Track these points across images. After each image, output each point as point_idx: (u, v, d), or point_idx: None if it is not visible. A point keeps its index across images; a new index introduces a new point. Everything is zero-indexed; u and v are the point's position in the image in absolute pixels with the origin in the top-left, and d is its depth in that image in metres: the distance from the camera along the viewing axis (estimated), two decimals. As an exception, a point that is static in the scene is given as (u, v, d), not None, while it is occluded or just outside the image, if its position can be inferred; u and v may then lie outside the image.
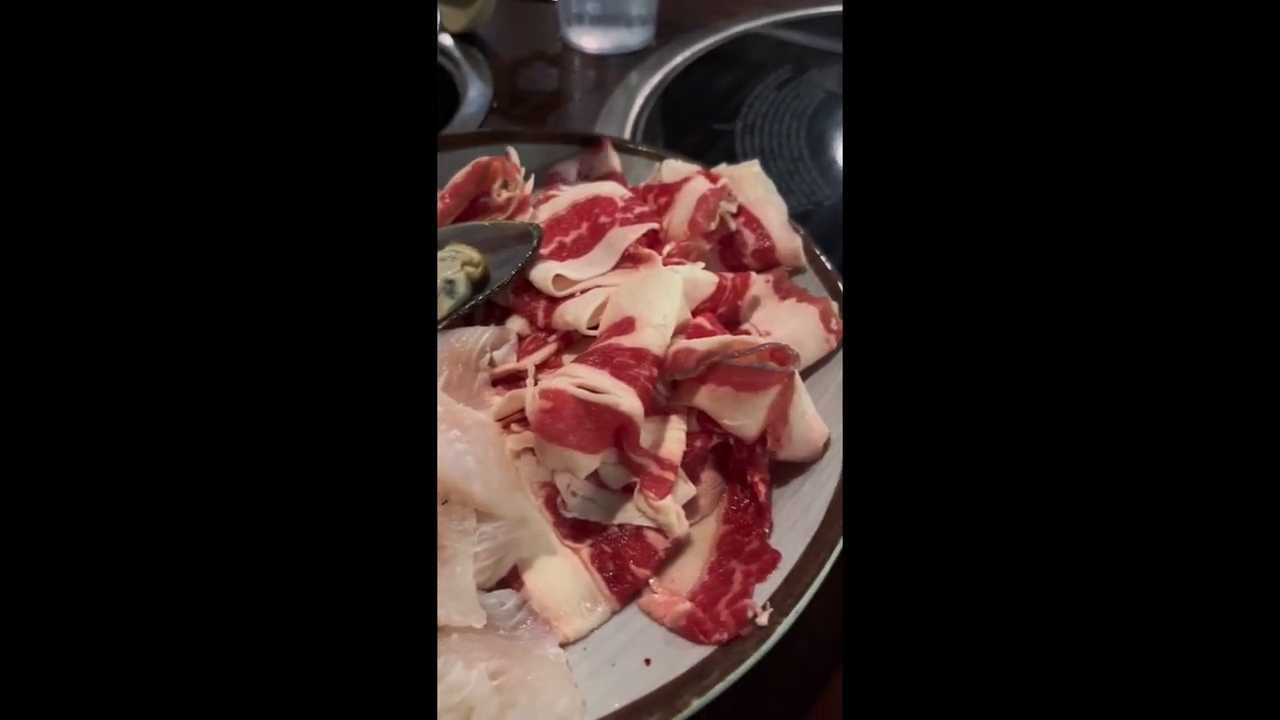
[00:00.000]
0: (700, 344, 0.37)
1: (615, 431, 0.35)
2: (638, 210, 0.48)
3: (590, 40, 0.86)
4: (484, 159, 0.48)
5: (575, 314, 0.40)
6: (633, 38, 0.87)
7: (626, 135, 0.75)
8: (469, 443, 0.34)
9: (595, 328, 0.40)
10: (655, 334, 0.37)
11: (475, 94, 0.80)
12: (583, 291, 0.42)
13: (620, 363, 0.36)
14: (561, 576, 0.36)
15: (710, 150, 0.73)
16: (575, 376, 0.35)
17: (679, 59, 0.87)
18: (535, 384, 0.37)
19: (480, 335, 0.41)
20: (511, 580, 0.35)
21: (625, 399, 0.34)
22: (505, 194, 0.48)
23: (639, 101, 0.80)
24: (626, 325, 0.38)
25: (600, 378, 0.35)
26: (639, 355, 0.36)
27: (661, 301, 0.38)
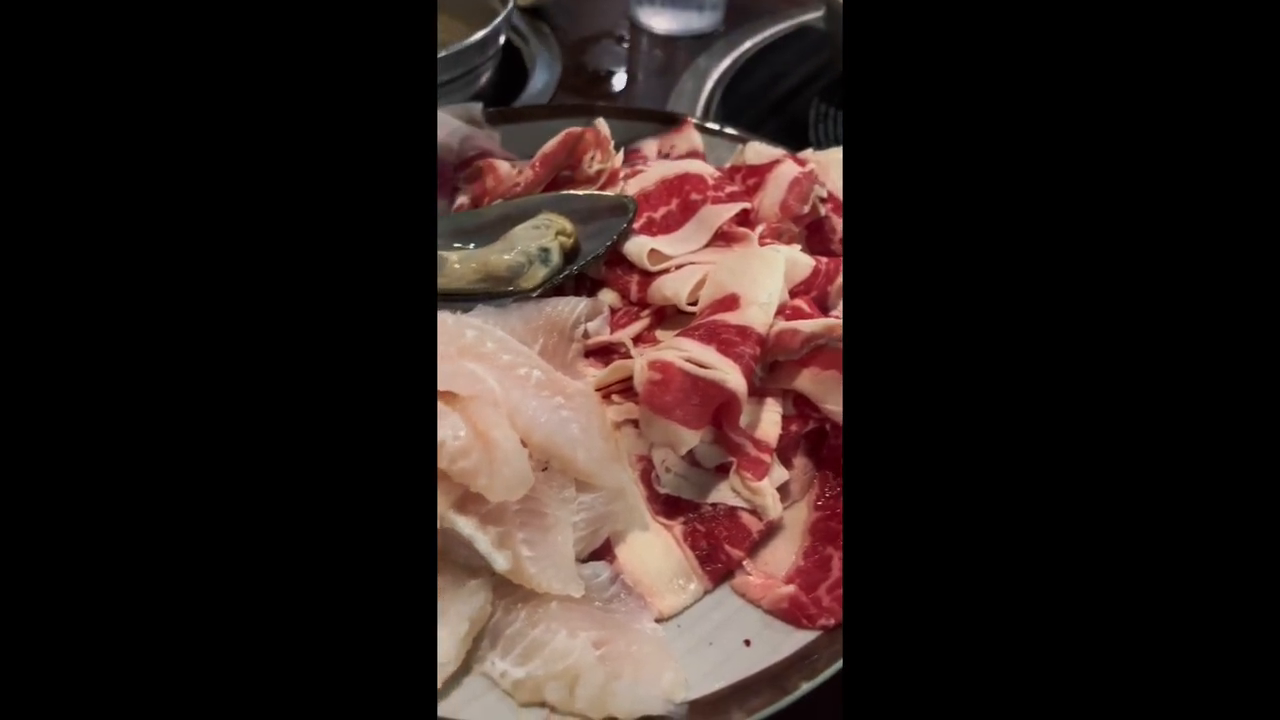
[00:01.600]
0: (806, 325, 0.36)
1: (717, 409, 0.35)
2: (728, 189, 0.47)
3: (659, 21, 0.85)
4: (576, 129, 0.48)
5: (675, 289, 0.39)
6: (702, 20, 0.85)
7: (697, 118, 0.74)
8: (573, 410, 0.34)
9: (693, 304, 0.39)
10: (759, 312, 0.36)
11: (543, 71, 0.80)
12: (677, 267, 0.41)
13: (726, 339, 0.35)
14: (654, 552, 0.35)
15: (781, 138, 0.72)
16: (683, 350, 0.34)
17: (748, 44, 0.85)
18: (635, 357, 0.36)
19: (575, 306, 0.40)
20: (604, 553, 0.35)
21: (731, 376, 0.34)
22: (597, 166, 0.47)
23: (709, 85, 0.78)
24: (730, 302, 0.37)
25: (707, 353, 0.34)
26: (744, 333, 0.35)
27: (765, 280, 0.37)
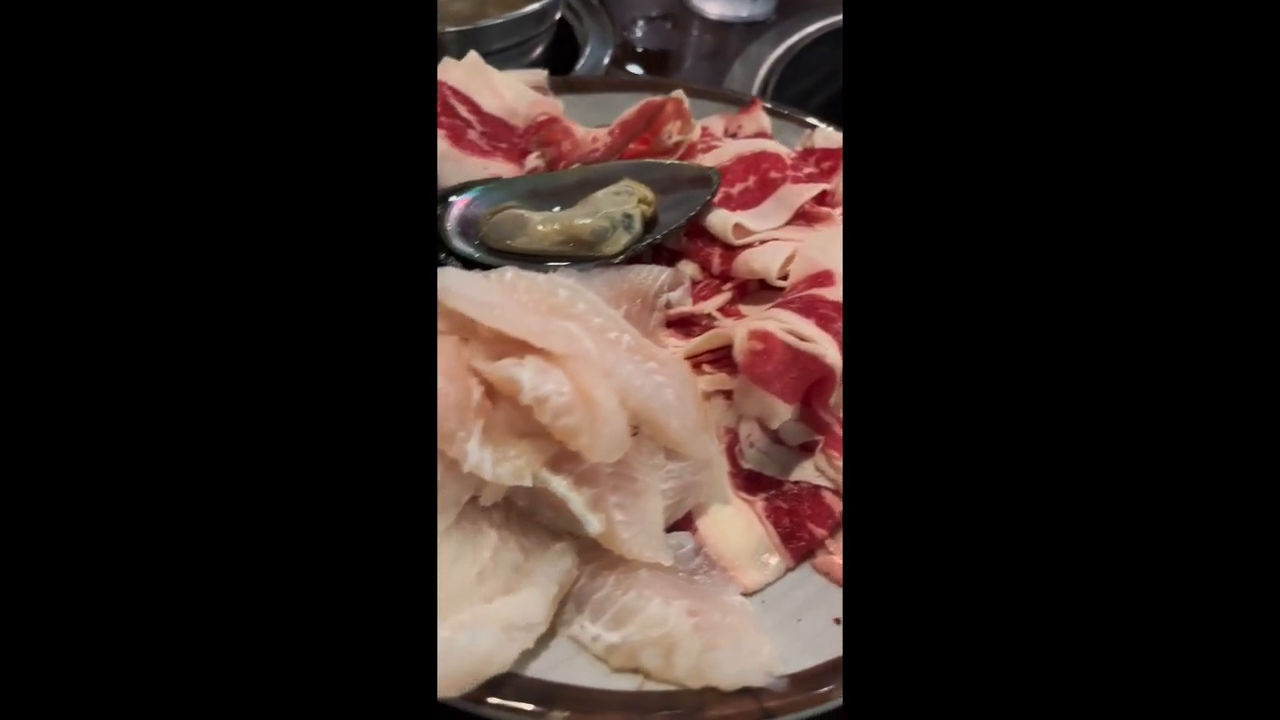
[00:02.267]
0: (899, 306, 0.36)
1: (810, 385, 0.34)
2: (806, 170, 0.46)
3: (712, 6, 0.85)
4: (657, 99, 0.47)
5: (765, 262, 0.39)
6: (754, 8, 0.85)
7: (751, 104, 0.74)
8: (667, 377, 0.33)
9: (782, 279, 0.39)
10: (854, 290, 0.36)
11: (595, 47, 0.79)
12: (761, 242, 0.41)
13: (824, 314, 0.34)
14: (735, 527, 0.35)
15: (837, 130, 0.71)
16: (783, 322, 0.34)
17: (799, 35, 0.85)
18: (730, 327, 0.36)
19: (658, 275, 0.39)
20: (685, 525, 0.34)
21: (830, 350, 0.33)
22: (676, 137, 0.46)
23: (761, 73, 0.78)
24: (824, 278, 0.36)
25: (807, 326, 0.34)
26: (840, 309, 0.35)
27: (858, 259, 0.37)
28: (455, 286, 0.33)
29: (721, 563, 0.34)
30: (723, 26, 0.84)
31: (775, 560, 0.34)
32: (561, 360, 0.31)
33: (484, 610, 0.28)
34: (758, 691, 0.28)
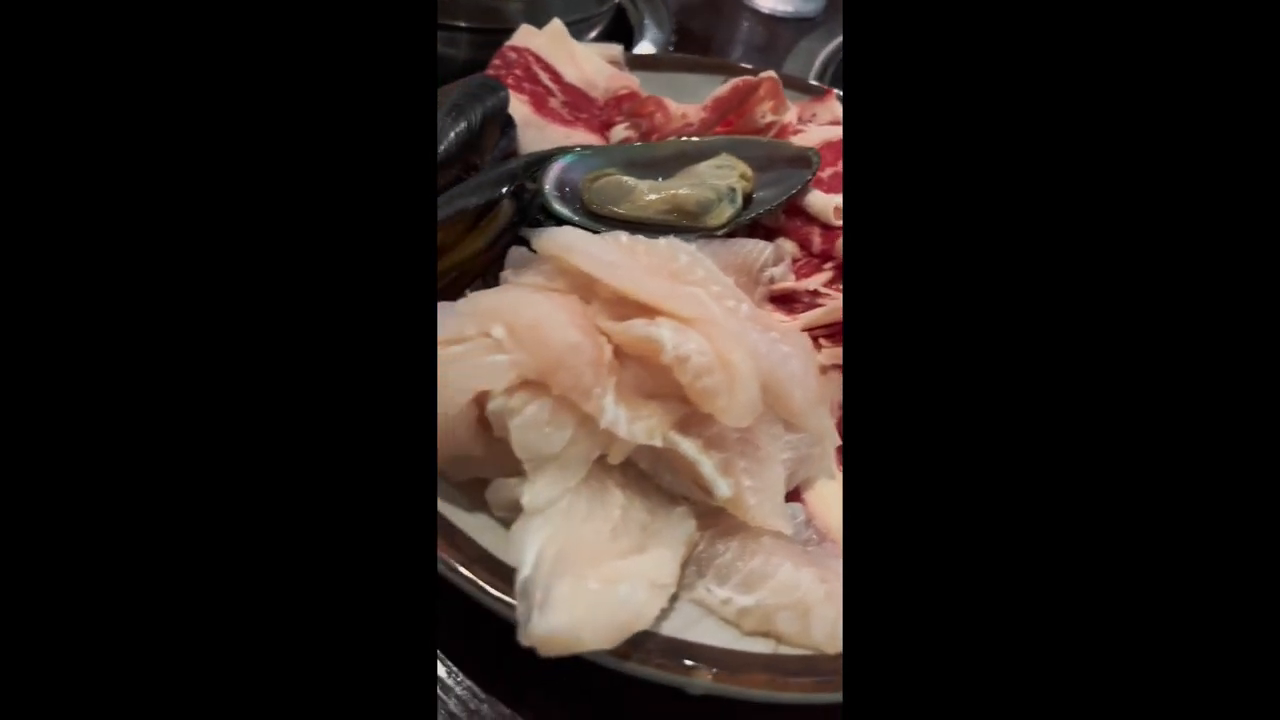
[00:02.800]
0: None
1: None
2: (894, 158, 0.46)
3: (764, 0, 0.85)
4: (750, 78, 0.47)
5: (873, 242, 0.39)
6: (805, 5, 0.85)
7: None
8: (792, 347, 0.33)
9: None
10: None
11: (651, 35, 0.78)
12: (860, 225, 0.41)
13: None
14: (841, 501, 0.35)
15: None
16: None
17: (849, 34, 0.86)
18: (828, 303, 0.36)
19: (763, 249, 0.39)
20: (794, 497, 0.34)
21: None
22: (769, 117, 0.46)
23: (815, 68, 0.78)
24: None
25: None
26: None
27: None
28: (579, 245, 0.33)
29: (830, 535, 0.34)
30: (773, 20, 0.85)
31: (882, 536, 0.34)
32: (695, 323, 0.31)
33: (627, 565, 0.27)
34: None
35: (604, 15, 0.73)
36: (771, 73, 0.48)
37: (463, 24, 0.64)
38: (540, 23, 0.66)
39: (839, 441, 0.36)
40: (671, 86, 0.58)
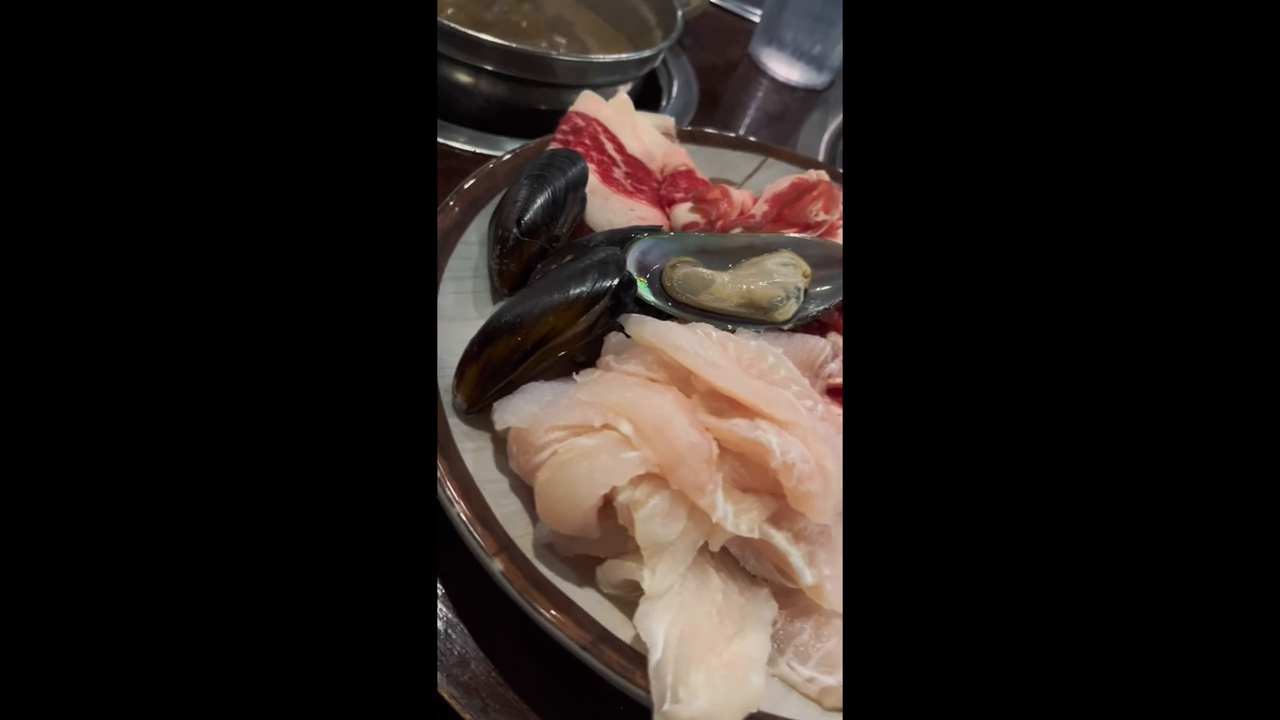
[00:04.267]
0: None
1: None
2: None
3: (780, 67, 0.90)
4: (809, 177, 0.51)
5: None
6: (819, 78, 0.91)
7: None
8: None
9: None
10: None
11: (682, 96, 0.82)
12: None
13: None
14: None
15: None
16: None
17: (854, 110, 0.92)
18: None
19: (824, 345, 0.44)
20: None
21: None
22: (821, 216, 0.51)
23: (825, 140, 0.84)
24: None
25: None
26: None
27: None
28: (678, 339, 0.36)
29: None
30: (787, 88, 0.90)
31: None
32: (789, 427, 0.35)
33: (742, 649, 0.31)
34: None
35: (640, 78, 0.77)
36: (823, 174, 0.53)
37: (489, 67, 0.66)
38: (585, 79, 0.69)
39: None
40: (715, 161, 0.62)
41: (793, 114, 0.87)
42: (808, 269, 0.46)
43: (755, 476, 0.35)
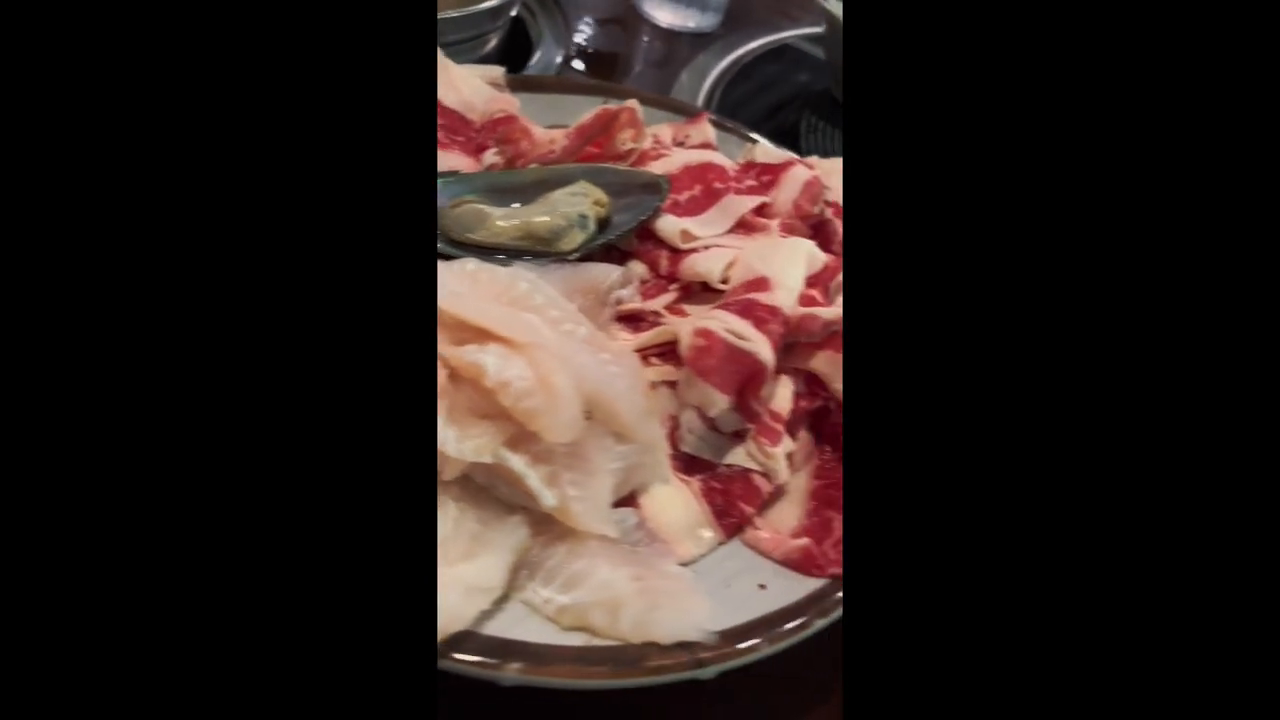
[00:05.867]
0: (825, 312, 0.40)
1: (744, 378, 0.38)
2: (747, 182, 0.50)
3: (663, 14, 0.88)
4: (612, 106, 0.50)
5: (708, 267, 0.42)
6: (703, 19, 0.89)
7: (696, 112, 0.77)
8: (619, 366, 0.36)
9: (723, 282, 0.42)
10: (786, 295, 0.40)
11: (548, 46, 0.81)
12: (705, 248, 0.45)
13: (759, 316, 0.38)
14: (675, 504, 0.38)
15: (778, 142, 0.76)
16: (724, 322, 0.37)
17: (745, 49, 0.89)
18: (678, 324, 0.39)
19: (610, 272, 0.43)
20: (630, 501, 0.38)
21: (763, 349, 0.37)
22: (629, 144, 0.50)
23: (707, 83, 0.82)
24: (761, 284, 0.40)
25: (745, 326, 0.38)
26: (773, 312, 0.39)
27: (791, 267, 0.41)
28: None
29: (661, 536, 0.37)
30: (671, 34, 0.88)
31: (709, 534, 0.38)
32: (523, 348, 0.34)
33: (446, 573, 0.30)
34: (692, 645, 0.31)
35: (498, 30, 0.75)
36: (633, 101, 0.51)
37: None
38: (437, 40, 0.68)
39: (669, 449, 0.39)
40: (554, 108, 0.60)
41: (678, 59, 0.85)
42: (603, 197, 0.45)
43: (489, 401, 0.34)
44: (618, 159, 0.50)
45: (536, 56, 0.79)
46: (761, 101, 0.81)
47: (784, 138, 0.77)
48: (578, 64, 0.80)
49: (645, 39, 0.88)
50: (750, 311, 0.39)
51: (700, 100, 0.79)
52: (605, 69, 0.82)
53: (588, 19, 0.87)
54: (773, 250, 0.42)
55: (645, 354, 0.40)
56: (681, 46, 0.86)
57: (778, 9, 0.98)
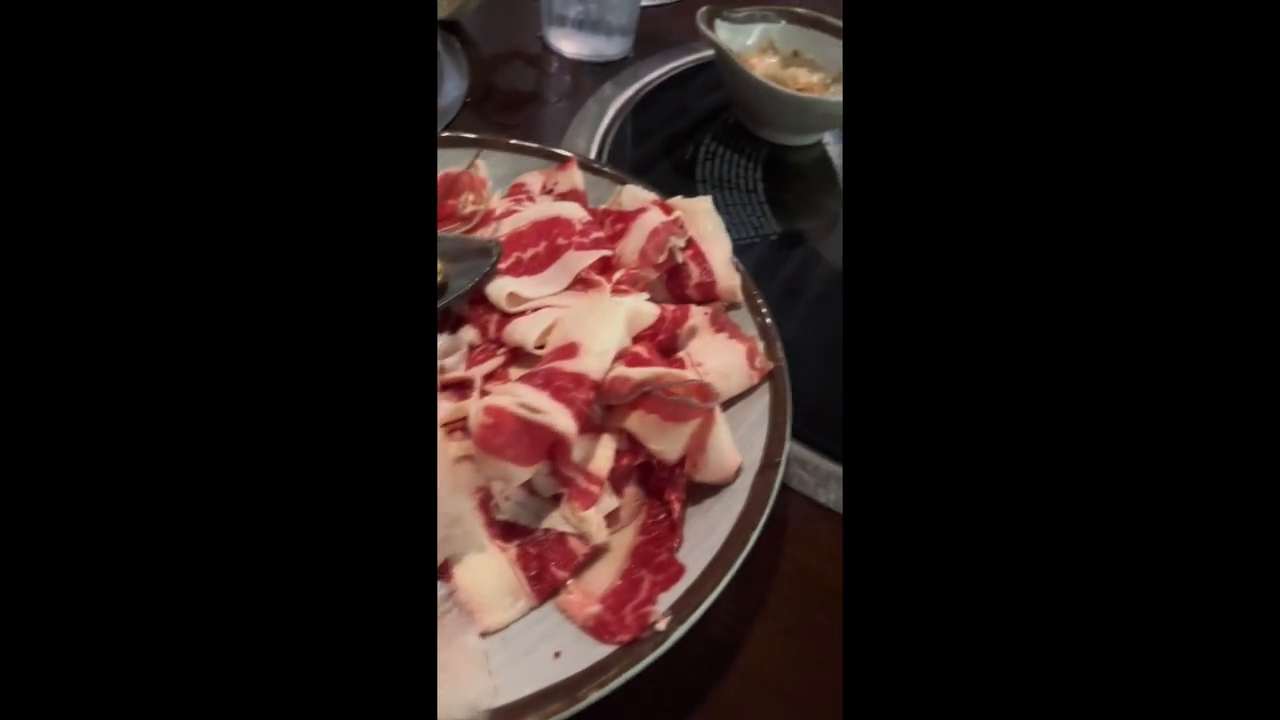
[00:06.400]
0: (635, 373, 0.41)
1: (550, 447, 0.39)
2: (593, 235, 0.51)
3: (569, 45, 0.89)
4: (454, 172, 0.51)
5: (524, 333, 0.43)
6: (611, 47, 0.89)
7: (595, 145, 0.78)
8: (415, 447, 0.37)
9: (542, 346, 0.43)
10: (595, 360, 0.41)
11: (451, 85, 0.82)
12: (534, 310, 0.46)
13: (560, 386, 0.39)
14: (488, 572, 0.39)
15: (672, 172, 0.76)
16: (517, 396, 0.38)
17: (654, 74, 0.90)
18: (481, 396, 0.40)
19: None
20: (441, 573, 0.39)
21: (561, 420, 0.38)
22: (471, 207, 0.51)
23: (610, 113, 0.82)
24: (570, 350, 0.41)
25: (540, 399, 0.39)
26: (578, 380, 0.40)
27: (603, 330, 0.42)
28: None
29: (470, 605, 0.38)
30: (580, 66, 0.89)
31: (521, 601, 0.39)
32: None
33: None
34: (459, 724, 0.33)
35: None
36: (478, 161, 0.52)
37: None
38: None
39: (483, 518, 0.40)
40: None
41: (585, 88, 0.85)
42: (439, 265, 0.46)
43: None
44: (464, 220, 0.51)
45: (439, 96, 0.80)
46: (663, 129, 0.82)
47: (682, 166, 0.77)
48: (485, 102, 0.81)
49: (554, 71, 0.88)
50: (551, 381, 0.40)
51: (601, 131, 0.80)
52: (510, 104, 0.83)
53: (494, 54, 0.88)
54: (588, 312, 0.43)
55: (451, 427, 0.41)
56: (589, 77, 0.87)
57: (689, 33, 0.98)
